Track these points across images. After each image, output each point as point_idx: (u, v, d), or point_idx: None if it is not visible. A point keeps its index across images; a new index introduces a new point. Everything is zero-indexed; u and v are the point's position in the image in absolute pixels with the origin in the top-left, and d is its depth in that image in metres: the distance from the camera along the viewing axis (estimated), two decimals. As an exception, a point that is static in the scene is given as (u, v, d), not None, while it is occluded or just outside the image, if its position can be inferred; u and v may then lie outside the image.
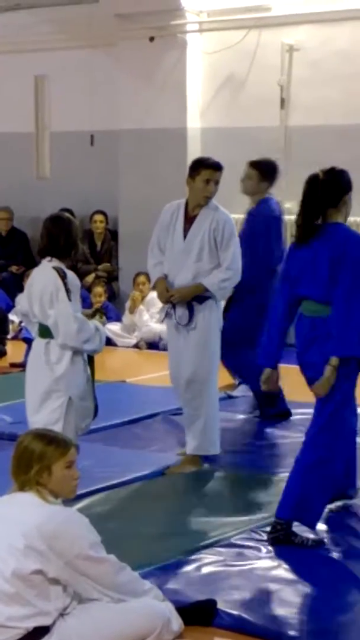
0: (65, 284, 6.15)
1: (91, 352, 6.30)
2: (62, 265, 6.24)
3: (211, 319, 6.96)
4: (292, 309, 5.64)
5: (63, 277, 6.16)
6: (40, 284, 6.23)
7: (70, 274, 6.25)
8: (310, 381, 5.62)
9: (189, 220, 6.97)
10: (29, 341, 8.75)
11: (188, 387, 6.96)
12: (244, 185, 8.31)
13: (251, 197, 8.37)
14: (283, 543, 5.47)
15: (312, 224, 5.55)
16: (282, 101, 11.75)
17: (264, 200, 8.33)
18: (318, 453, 5.52)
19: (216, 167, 7.02)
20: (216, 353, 7.06)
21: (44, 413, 6.19)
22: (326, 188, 5.52)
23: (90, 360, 6.38)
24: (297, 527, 5.54)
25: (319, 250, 5.47)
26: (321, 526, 5.65)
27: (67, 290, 6.15)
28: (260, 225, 8.19)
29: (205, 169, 6.96)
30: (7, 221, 13.37)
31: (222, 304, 7.21)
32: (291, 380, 9.71)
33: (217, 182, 7.00)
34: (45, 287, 6.18)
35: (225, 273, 6.87)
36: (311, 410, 8.39)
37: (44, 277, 6.23)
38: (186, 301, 6.89)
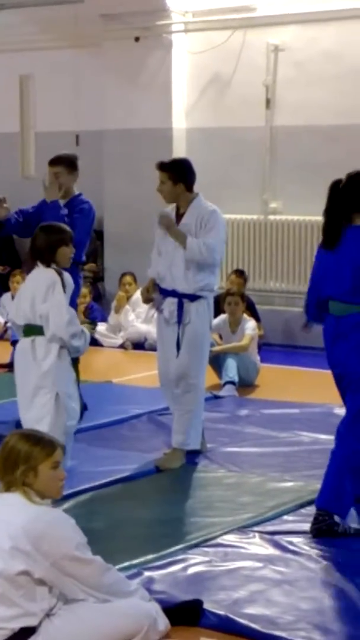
0: (62, 280, 6.34)
1: (75, 350, 6.42)
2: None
3: (204, 316, 7.03)
4: (320, 309, 5.75)
5: (60, 274, 6.37)
6: (35, 282, 6.43)
7: (66, 275, 6.45)
8: (338, 378, 5.72)
9: (179, 219, 7.06)
10: (16, 343, 8.75)
11: (179, 383, 7.02)
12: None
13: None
14: (326, 534, 5.54)
15: (337, 228, 5.61)
16: (268, 101, 11.77)
17: None
18: (350, 445, 5.61)
19: (157, 166, 7.09)
20: (207, 351, 7.18)
21: (34, 409, 6.32)
22: (350, 192, 5.55)
23: (75, 364, 6.46)
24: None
25: (343, 253, 5.56)
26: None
27: (63, 286, 6.34)
28: None
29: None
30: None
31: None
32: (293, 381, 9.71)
33: (162, 182, 7.00)
34: (39, 283, 6.36)
35: (206, 243, 6.86)
36: (297, 411, 8.48)
37: (39, 276, 6.42)
38: (177, 299, 6.97)
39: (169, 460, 6.97)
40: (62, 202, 7.73)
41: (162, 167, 7.05)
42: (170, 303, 7.01)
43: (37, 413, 6.32)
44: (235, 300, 9.82)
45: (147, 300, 7.24)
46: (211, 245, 6.89)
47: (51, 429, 6.13)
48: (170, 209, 7.16)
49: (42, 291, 6.35)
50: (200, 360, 7.08)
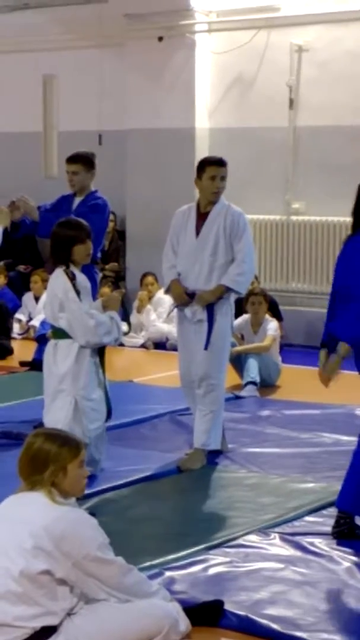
0: (74, 285, 6.27)
1: (113, 342, 6.45)
2: (75, 269, 6.37)
3: (226, 317, 7.04)
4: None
5: (72, 278, 6.30)
6: (51, 289, 6.44)
7: (81, 277, 6.40)
8: None
9: (201, 218, 7.07)
10: (42, 339, 8.80)
11: (201, 383, 7.02)
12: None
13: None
14: (348, 537, 5.52)
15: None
16: (291, 101, 11.75)
17: None
18: None
19: (220, 162, 7.12)
20: (227, 352, 7.20)
21: (52, 412, 6.32)
22: None
23: (102, 362, 6.46)
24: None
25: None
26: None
27: (77, 292, 6.27)
28: None
29: (209, 165, 7.07)
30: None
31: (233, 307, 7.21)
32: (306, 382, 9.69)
33: (223, 178, 7.07)
34: (54, 292, 6.37)
35: (239, 267, 6.96)
36: (318, 412, 8.46)
37: (54, 282, 6.42)
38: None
39: (190, 461, 6.96)
40: (78, 200, 7.75)
41: (225, 162, 7.11)
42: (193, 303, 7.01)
43: (55, 416, 6.31)
44: (259, 300, 9.81)
45: (186, 302, 7.06)
46: (245, 270, 6.96)
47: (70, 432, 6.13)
48: (187, 208, 7.14)
49: (57, 301, 6.32)
50: (222, 360, 7.10)
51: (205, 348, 6.99)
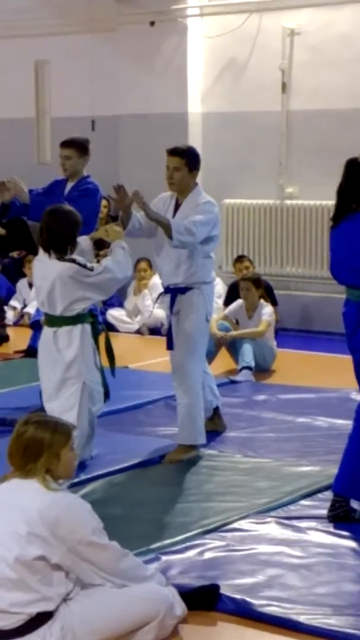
0: (77, 262, 6.33)
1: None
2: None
3: (197, 308, 6.86)
4: None
5: (72, 260, 6.34)
6: (48, 277, 6.40)
7: (79, 259, 6.42)
8: (358, 364, 5.65)
9: (177, 208, 6.93)
10: (36, 325, 8.79)
11: (174, 374, 6.97)
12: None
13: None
14: (343, 520, 5.53)
15: (347, 208, 5.52)
16: (284, 85, 11.72)
17: None
18: None
19: (169, 151, 6.89)
20: (201, 344, 6.97)
21: (60, 400, 6.37)
22: None
23: (108, 345, 6.63)
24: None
25: (347, 234, 5.48)
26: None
27: (84, 266, 6.33)
28: None
29: (166, 155, 6.89)
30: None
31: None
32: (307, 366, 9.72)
33: (176, 169, 6.81)
34: (55, 280, 6.34)
35: (183, 224, 6.62)
36: (313, 396, 8.47)
37: (50, 269, 6.39)
38: (171, 290, 6.88)
39: (175, 454, 6.85)
40: (70, 184, 7.75)
41: (179, 152, 6.86)
42: (167, 297, 6.95)
43: (64, 403, 6.35)
44: (247, 285, 9.78)
45: (124, 207, 6.77)
46: (191, 225, 6.62)
47: (78, 419, 6.17)
48: (170, 196, 6.99)
49: (66, 285, 6.32)
50: (194, 352, 6.89)
51: (169, 348, 6.89)
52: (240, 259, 11.37)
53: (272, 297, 10.76)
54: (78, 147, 7.76)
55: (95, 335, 6.54)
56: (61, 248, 6.37)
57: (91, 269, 6.36)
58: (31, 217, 7.60)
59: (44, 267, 6.46)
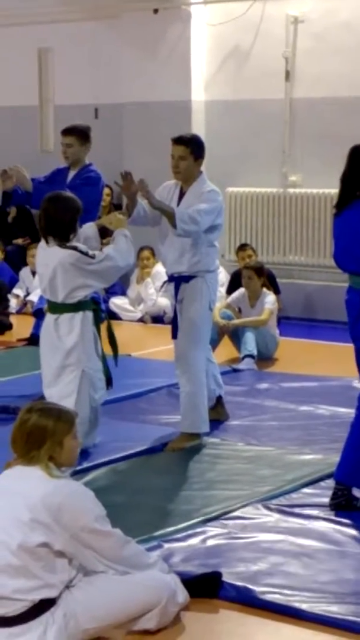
0: (78, 250, 6.33)
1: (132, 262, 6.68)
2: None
3: (200, 296, 6.86)
4: None
5: (74, 247, 6.34)
6: (49, 264, 6.41)
7: (81, 246, 6.42)
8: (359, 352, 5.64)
9: (181, 197, 6.92)
10: (39, 313, 8.80)
11: (177, 363, 6.97)
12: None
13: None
14: (345, 509, 5.54)
15: (351, 195, 5.50)
16: (287, 73, 11.69)
17: None
18: None
19: (174, 140, 6.87)
20: (204, 332, 6.98)
21: (59, 386, 6.38)
22: None
23: (111, 333, 6.65)
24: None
25: (351, 222, 5.47)
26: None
27: (85, 253, 6.33)
28: None
29: (171, 144, 6.88)
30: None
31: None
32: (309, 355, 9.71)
33: (181, 157, 6.80)
34: (56, 267, 6.35)
35: (187, 213, 6.61)
36: (316, 384, 8.48)
37: (52, 256, 6.39)
38: (175, 278, 6.88)
39: (178, 442, 6.85)
40: (72, 172, 7.74)
41: (184, 141, 6.85)
42: (171, 286, 6.95)
43: (63, 390, 6.38)
44: (249, 274, 9.79)
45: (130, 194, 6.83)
46: (195, 213, 6.60)
47: (76, 406, 6.18)
48: (174, 184, 6.98)
49: (68, 272, 6.32)
50: (197, 341, 6.88)
51: (174, 337, 6.90)
52: (243, 247, 11.36)
53: (274, 285, 10.76)
54: (79, 134, 7.75)
55: (97, 323, 6.55)
56: (60, 234, 6.38)
57: (93, 257, 6.36)
58: (33, 205, 7.60)
59: (46, 254, 6.47)
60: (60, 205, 6.39)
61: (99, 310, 6.66)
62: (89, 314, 6.49)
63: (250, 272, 9.79)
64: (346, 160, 5.58)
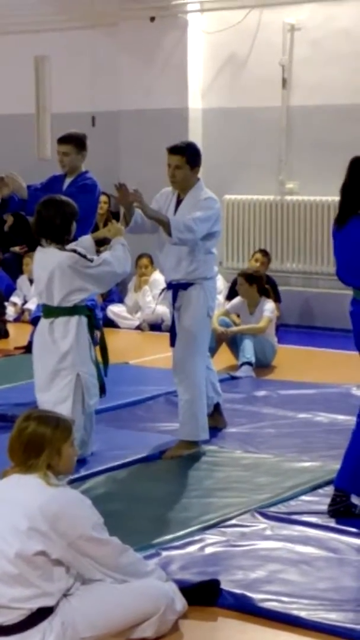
0: (77, 252, 6.34)
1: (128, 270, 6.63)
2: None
3: (198, 304, 6.85)
4: None
5: (73, 250, 6.36)
6: (48, 267, 6.40)
7: (79, 241, 6.50)
8: None
9: (178, 204, 6.91)
10: (37, 321, 8.79)
11: (175, 370, 6.95)
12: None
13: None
14: (343, 515, 5.53)
15: (352, 210, 5.48)
16: (284, 81, 11.71)
17: None
18: None
19: (169, 150, 6.87)
20: (203, 339, 6.96)
21: (53, 391, 6.36)
22: None
23: (103, 342, 6.64)
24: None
25: (355, 238, 5.46)
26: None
27: (84, 256, 6.35)
28: None
29: (167, 153, 6.88)
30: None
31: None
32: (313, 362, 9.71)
33: (177, 167, 6.79)
34: (54, 269, 6.35)
35: (183, 221, 6.60)
36: (314, 391, 8.47)
37: (50, 259, 6.39)
38: (173, 285, 6.88)
39: (176, 450, 6.84)
40: (69, 180, 7.75)
41: (180, 150, 6.84)
42: (169, 293, 6.93)
43: (57, 395, 6.34)
44: (240, 280, 9.80)
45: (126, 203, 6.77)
46: (191, 222, 6.59)
47: (71, 411, 6.17)
48: (172, 191, 6.96)
49: (65, 274, 6.31)
50: (196, 348, 6.86)
51: (172, 345, 6.89)
52: (265, 253, 11.44)
53: (276, 293, 10.76)
54: (76, 142, 7.76)
55: (92, 329, 6.54)
56: (52, 236, 6.39)
57: (91, 260, 6.37)
58: (29, 212, 7.59)
59: (45, 256, 6.48)
60: (53, 207, 6.41)
61: (94, 317, 6.64)
62: (84, 319, 6.48)
63: (241, 278, 9.80)
64: (346, 171, 5.55)
